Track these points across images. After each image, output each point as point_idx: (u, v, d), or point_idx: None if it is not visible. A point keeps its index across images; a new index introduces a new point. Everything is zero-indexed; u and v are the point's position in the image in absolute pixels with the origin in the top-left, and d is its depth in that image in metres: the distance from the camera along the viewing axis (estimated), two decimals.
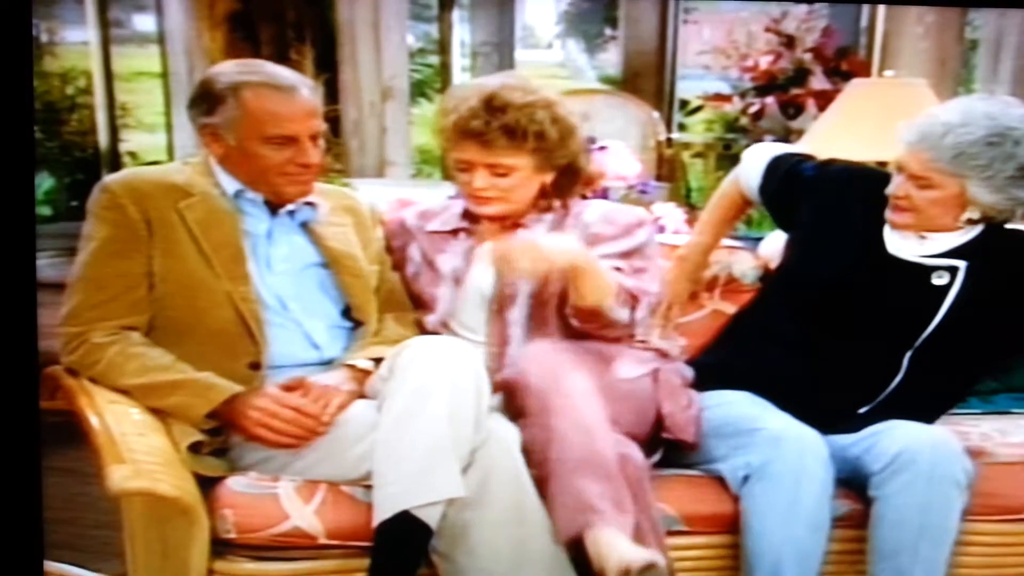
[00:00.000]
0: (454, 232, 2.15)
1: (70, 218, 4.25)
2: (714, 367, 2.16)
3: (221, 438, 1.88)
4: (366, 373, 1.94)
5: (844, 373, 2.05)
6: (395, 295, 2.14)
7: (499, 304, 2.07)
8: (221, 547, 1.79)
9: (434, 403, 1.76)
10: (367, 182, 4.03)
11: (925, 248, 2.06)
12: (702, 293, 2.39)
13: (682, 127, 5.36)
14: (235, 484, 1.83)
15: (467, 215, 2.15)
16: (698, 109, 5.39)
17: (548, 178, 2.10)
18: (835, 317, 2.08)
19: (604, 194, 2.85)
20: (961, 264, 2.04)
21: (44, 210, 4.45)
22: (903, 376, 2.05)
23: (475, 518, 1.78)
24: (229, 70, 1.96)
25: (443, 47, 5.10)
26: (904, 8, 4.67)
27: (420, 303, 2.14)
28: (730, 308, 2.37)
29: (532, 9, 6.96)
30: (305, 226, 2.04)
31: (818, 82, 4.70)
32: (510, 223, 2.11)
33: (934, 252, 2.06)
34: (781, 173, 2.23)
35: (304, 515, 1.80)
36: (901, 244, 2.08)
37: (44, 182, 4.46)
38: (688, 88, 5.35)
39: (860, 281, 2.07)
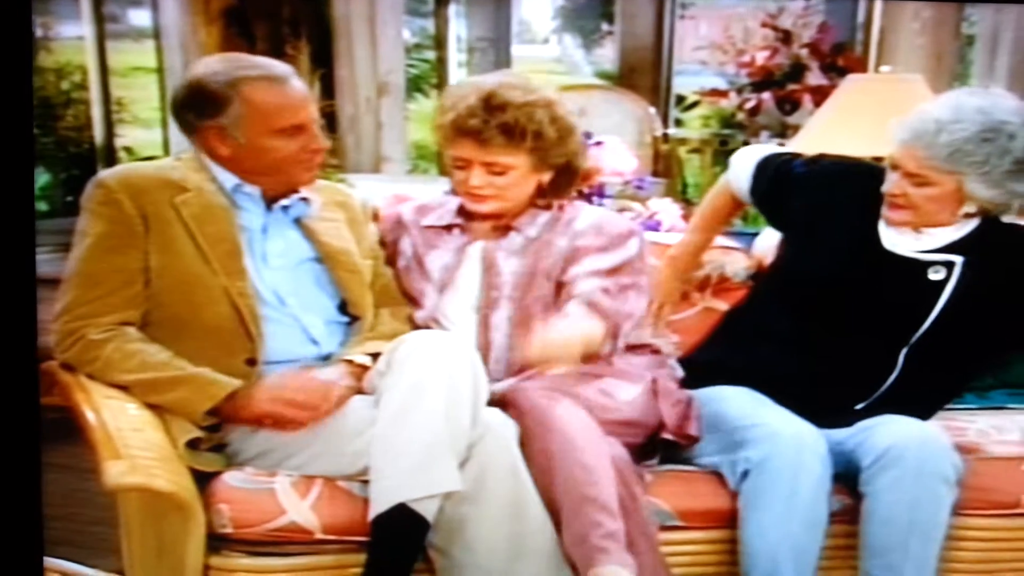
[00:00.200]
0: (448, 228, 2.15)
1: (66, 214, 4.24)
2: (709, 364, 2.17)
3: (219, 434, 1.89)
4: (364, 368, 1.94)
5: (840, 370, 2.05)
6: (389, 289, 2.15)
7: (484, 306, 2.07)
8: (217, 542, 1.80)
9: (431, 398, 1.76)
10: (363, 178, 4.02)
11: (921, 243, 2.06)
12: (693, 293, 2.39)
13: (678, 123, 5.37)
14: (231, 479, 1.83)
15: (462, 212, 2.14)
16: (694, 105, 5.40)
17: (545, 177, 2.09)
18: (830, 314, 2.08)
19: (600, 190, 2.85)
20: (958, 259, 2.03)
21: (40, 206, 4.44)
22: (899, 372, 2.05)
23: (472, 513, 1.78)
24: (221, 69, 1.94)
25: (439, 42, 5.10)
26: (901, 4, 4.67)
27: (409, 299, 2.15)
28: (722, 305, 2.37)
29: (528, 4, 6.96)
30: (298, 221, 2.04)
31: (814, 78, 4.70)
32: (503, 222, 2.11)
33: (930, 247, 2.05)
34: (771, 172, 2.22)
35: (300, 510, 1.81)
36: (897, 239, 2.07)
37: (40, 177, 4.44)
38: (684, 84, 5.35)
39: (855, 277, 2.07)
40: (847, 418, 2.03)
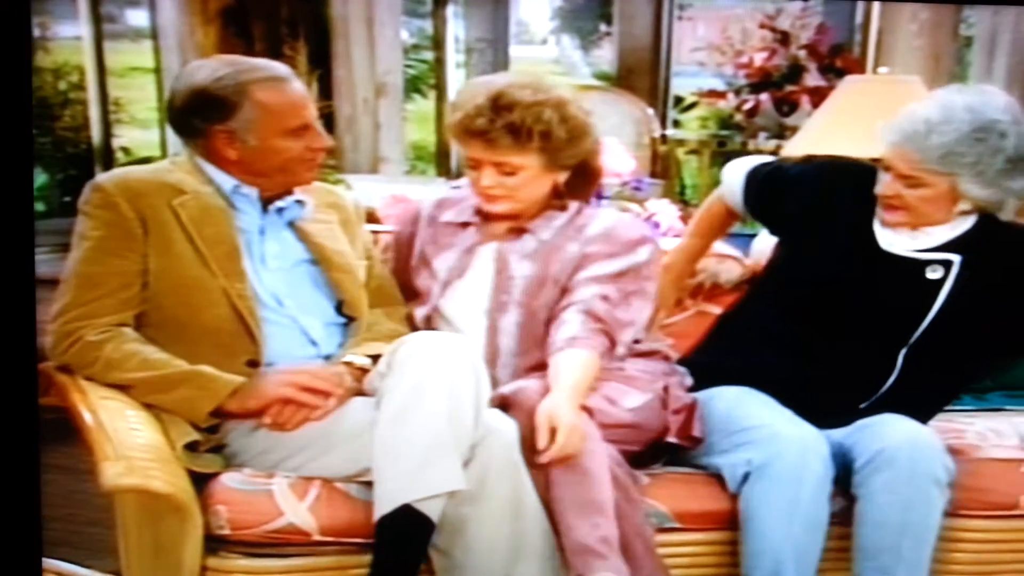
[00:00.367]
0: (464, 224, 2.14)
1: (63, 214, 4.24)
2: (707, 366, 2.15)
3: (217, 435, 1.88)
4: (364, 370, 1.94)
5: (838, 372, 2.05)
6: (385, 290, 2.14)
7: (493, 309, 2.06)
8: (215, 544, 1.79)
9: (432, 399, 1.76)
10: (361, 178, 4.02)
11: (918, 242, 2.04)
12: (686, 300, 2.40)
13: (676, 124, 5.37)
14: (229, 480, 1.82)
15: (480, 210, 2.13)
16: (692, 106, 5.41)
17: (560, 177, 2.07)
18: (828, 315, 2.07)
19: (598, 191, 2.85)
20: (955, 258, 2.02)
21: (37, 206, 4.44)
22: (899, 373, 2.05)
23: (473, 513, 1.78)
24: (225, 72, 1.94)
25: (437, 43, 5.09)
26: (898, 5, 4.68)
27: (415, 295, 2.14)
28: (715, 309, 2.38)
29: (526, 5, 6.96)
30: (292, 224, 2.04)
31: (812, 79, 4.72)
32: (519, 223, 2.08)
33: (927, 246, 2.04)
34: (761, 178, 2.21)
35: (298, 512, 1.80)
36: (893, 239, 2.05)
37: (37, 178, 4.44)
38: (682, 84, 5.36)
39: (852, 277, 2.05)
40: (848, 419, 2.02)
